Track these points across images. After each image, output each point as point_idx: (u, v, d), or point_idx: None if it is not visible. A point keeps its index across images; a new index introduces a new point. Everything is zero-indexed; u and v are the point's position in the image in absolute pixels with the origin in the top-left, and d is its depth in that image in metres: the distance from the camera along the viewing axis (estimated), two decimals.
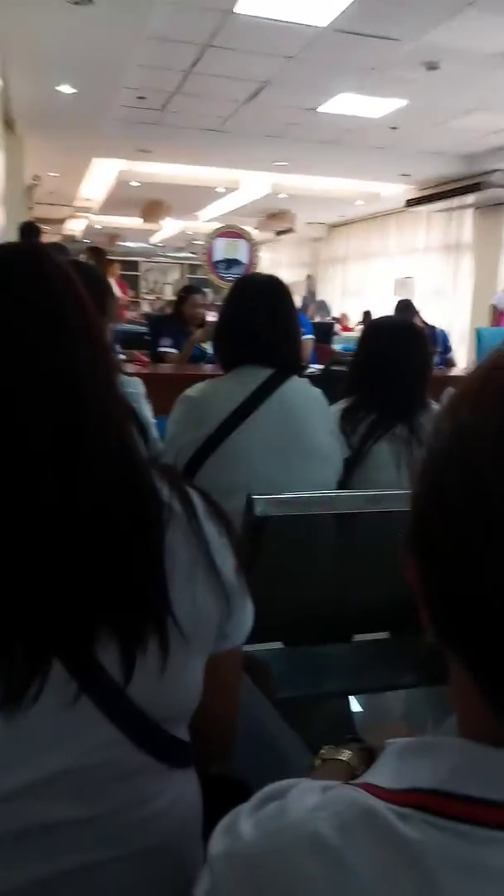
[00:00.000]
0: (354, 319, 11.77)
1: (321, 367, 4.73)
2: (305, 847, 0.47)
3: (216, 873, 0.50)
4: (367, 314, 10.03)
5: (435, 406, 2.03)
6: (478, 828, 0.44)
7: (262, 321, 1.82)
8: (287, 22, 4.85)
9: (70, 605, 0.69)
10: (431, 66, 5.55)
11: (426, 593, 0.51)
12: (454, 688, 0.52)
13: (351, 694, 1.59)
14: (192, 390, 1.85)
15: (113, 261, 6.40)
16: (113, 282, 6.21)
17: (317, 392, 1.89)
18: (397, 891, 0.44)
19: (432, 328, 6.09)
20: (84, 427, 0.72)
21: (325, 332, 7.15)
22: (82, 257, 5.64)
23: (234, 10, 4.69)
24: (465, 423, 0.48)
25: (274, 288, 1.91)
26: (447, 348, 6.08)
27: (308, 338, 5.19)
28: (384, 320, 2.20)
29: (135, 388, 2.07)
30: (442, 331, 6.18)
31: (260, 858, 0.49)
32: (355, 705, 1.58)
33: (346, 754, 0.83)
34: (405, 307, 6.17)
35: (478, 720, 0.49)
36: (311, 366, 4.79)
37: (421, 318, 6.14)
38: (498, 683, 0.47)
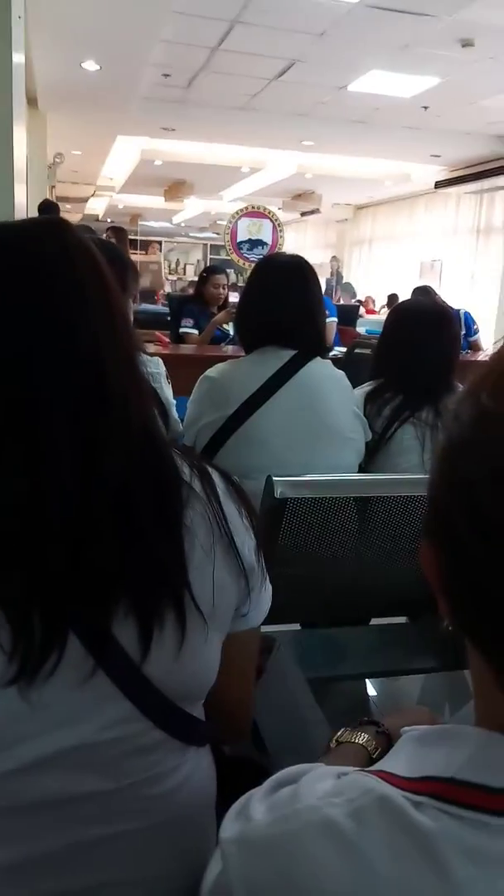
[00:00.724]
0: (380, 302, 11.66)
1: (344, 349, 4.70)
2: (318, 832, 0.47)
3: (227, 856, 0.50)
4: (392, 297, 9.92)
5: (461, 388, 2.01)
6: (492, 816, 0.44)
7: (284, 302, 1.80)
8: None
9: (88, 580, 0.69)
10: (466, 44, 5.44)
11: (444, 583, 0.50)
12: (473, 676, 0.51)
13: (367, 677, 1.59)
14: (213, 371, 1.84)
15: (150, 242, 6.17)
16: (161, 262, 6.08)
17: (339, 374, 1.87)
18: (410, 878, 0.44)
19: (455, 311, 5.99)
20: (106, 403, 0.71)
21: (349, 314, 7.07)
22: (104, 237, 5.64)
23: None
24: (487, 410, 0.46)
25: (297, 268, 1.88)
26: (471, 330, 5.98)
27: (332, 320, 5.14)
28: (411, 302, 2.17)
29: (156, 367, 2.07)
30: (466, 313, 6.06)
31: (271, 843, 0.49)
32: (371, 689, 1.57)
33: (362, 737, 0.82)
34: (424, 293, 6.04)
35: (495, 709, 0.48)
36: (335, 348, 4.76)
37: (442, 302, 6.03)
38: None
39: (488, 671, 0.48)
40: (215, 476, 0.81)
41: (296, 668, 1.11)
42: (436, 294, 6.02)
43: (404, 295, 7.85)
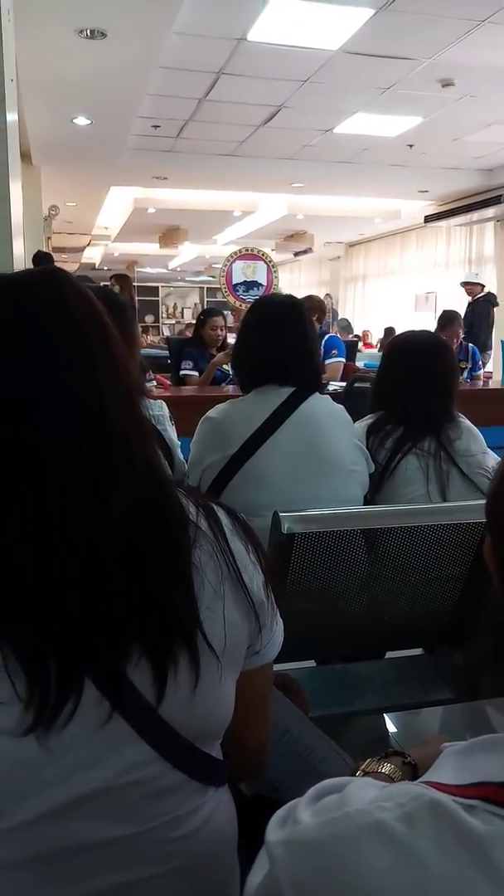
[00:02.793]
0: (376, 336, 11.75)
1: (343, 384, 4.72)
2: (369, 835, 0.47)
3: (275, 858, 0.50)
4: (389, 331, 10.00)
5: (462, 419, 2.02)
6: None
7: (282, 340, 1.83)
8: (298, 47, 4.91)
9: (101, 625, 0.69)
10: (446, 83, 5.59)
11: (500, 574, 0.55)
12: None
13: (385, 711, 1.57)
14: (214, 411, 1.85)
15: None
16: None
17: (339, 408, 1.88)
18: (462, 880, 0.44)
19: (464, 344, 6.07)
20: (110, 450, 0.72)
21: (349, 350, 7.13)
22: (109, 284, 5.70)
23: (247, 38, 4.77)
24: None
25: (292, 307, 1.91)
26: (476, 365, 6.04)
27: (339, 360, 5.18)
28: (407, 335, 2.19)
29: (159, 410, 2.08)
30: (474, 348, 6.14)
31: (321, 844, 0.49)
32: (390, 724, 1.55)
33: (388, 767, 0.82)
34: (450, 319, 6.03)
35: None
36: (334, 383, 4.79)
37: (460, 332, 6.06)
38: None
39: None
40: (221, 514, 0.81)
41: (291, 705, 1.11)
42: (461, 323, 6.07)
43: (401, 328, 7.91)
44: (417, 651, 1.93)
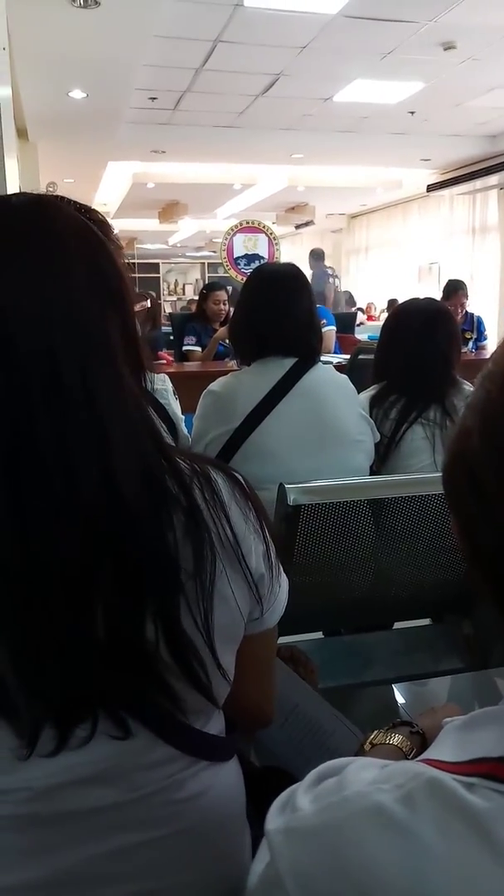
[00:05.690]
0: (380, 308, 11.67)
1: (346, 356, 4.69)
2: (368, 818, 0.46)
3: (275, 847, 0.49)
4: (392, 302, 9.93)
5: (466, 386, 1.99)
6: None
7: (285, 310, 1.80)
8: (296, 11, 4.81)
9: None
10: (448, 46, 5.46)
11: (466, 546, 0.53)
12: None
13: (394, 682, 1.57)
14: (216, 385, 1.83)
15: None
16: None
17: (343, 378, 1.86)
18: (465, 859, 0.43)
19: (470, 314, 6.02)
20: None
21: (348, 322, 7.07)
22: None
23: (243, 4, 4.67)
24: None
25: (293, 276, 1.87)
26: (482, 336, 5.98)
27: (330, 328, 5.14)
28: (408, 303, 2.16)
29: (162, 384, 2.06)
30: (479, 317, 6.08)
31: (321, 831, 0.48)
32: (398, 694, 1.55)
33: (396, 738, 0.81)
34: (455, 288, 5.94)
35: None
36: (336, 356, 4.75)
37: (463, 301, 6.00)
38: None
39: None
40: (219, 479, 0.74)
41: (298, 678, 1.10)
42: (465, 292, 6.03)
43: (404, 299, 7.82)
44: (426, 621, 1.92)
